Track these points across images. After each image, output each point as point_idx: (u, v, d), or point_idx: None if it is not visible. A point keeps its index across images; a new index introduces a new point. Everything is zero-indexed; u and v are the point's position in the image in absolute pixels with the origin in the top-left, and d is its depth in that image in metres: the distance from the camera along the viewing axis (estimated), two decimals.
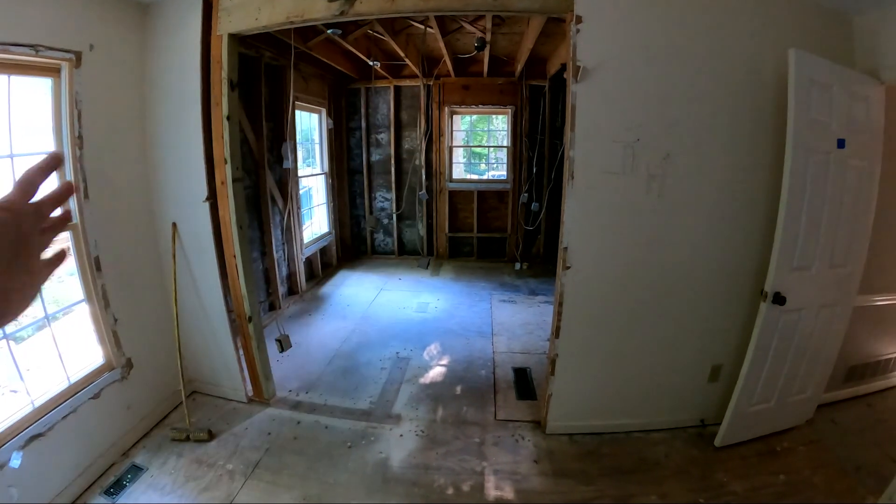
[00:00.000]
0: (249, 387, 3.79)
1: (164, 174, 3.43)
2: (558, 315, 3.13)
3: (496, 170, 8.47)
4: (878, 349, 3.73)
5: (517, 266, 7.45)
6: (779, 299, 2.84)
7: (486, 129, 8.58)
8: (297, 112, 6.43)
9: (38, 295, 0.60)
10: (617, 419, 3.48)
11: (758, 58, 2.87)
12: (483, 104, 7.57)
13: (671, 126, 2.91)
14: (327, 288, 6.73)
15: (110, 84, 3.10)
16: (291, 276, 6.24)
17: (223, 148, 3.10)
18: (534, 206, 7.47)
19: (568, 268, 3.04)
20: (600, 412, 3.47)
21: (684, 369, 3.43)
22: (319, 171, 7.39)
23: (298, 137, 6.58)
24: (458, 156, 8.23)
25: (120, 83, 3.19)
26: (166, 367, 3.59)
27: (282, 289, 5.93)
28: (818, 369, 3.31)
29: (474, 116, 8.35)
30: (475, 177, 8.63)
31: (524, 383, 4.14)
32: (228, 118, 3.08)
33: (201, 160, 3.21)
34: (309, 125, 7.20)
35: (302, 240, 6.37)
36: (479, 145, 8.62)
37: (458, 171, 8.23)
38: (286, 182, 5.87)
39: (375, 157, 7.96)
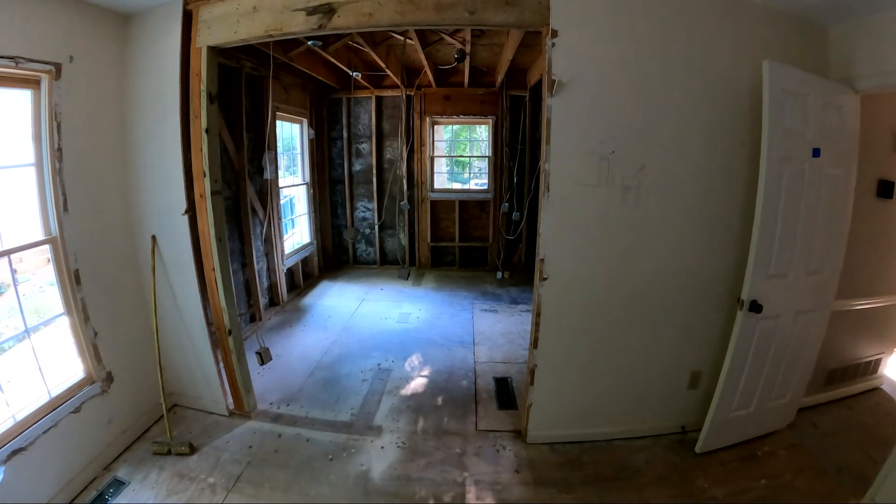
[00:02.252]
0: (230, 400, 3.77)
1: (144, 186, 3.42)
2: (536, 326, 3.18)
3: (478, 179, 8.54)
4: (856, 352, 3.83)
5: (499, 275, 7.50)
6: (755, 307, 2.89)
7: (467, 139, 8.65)
8: (279, 122, 6.44)
9: None
10: (598, 427, 3.51)
11: (733, 69, 2.95)
12: (464, 114, 7.65)
13: (646, 138, 2.98)
14: (309, 299, 6.71)
15: (90, 96, 3.10)
16: (272, 288, 6.22)
17: (202, 161, 3.11)
18: (515, 215, 7.54)
19: (545, 279, 3.09)
20: (581, 421, 3.50)
21: (663, 377, 3.47)
22: (301, 182, 7.38)
23: (280, 148, 6.57)
24: (440, 166, 8.28)
25: (100, 95, 3.19)
26: (147, 380, 3.56)
27: (263, 300, 5.90)
28: (797, 374, 3.36)
29: (456, 126, 8.42)
30: (457, 186, 8.69)
31: (505, 393, 4.17)
32: (207, 131, 3.09)
33: (180, 173, 3.22)
34: (290, 135, 7.20)
35: (283, 250, 6.36)
36: (461, 155, 8.69)
37: (440, 181, 8.28)
38: (267, 192, 5.86)
39: (357, 166, 7.98)
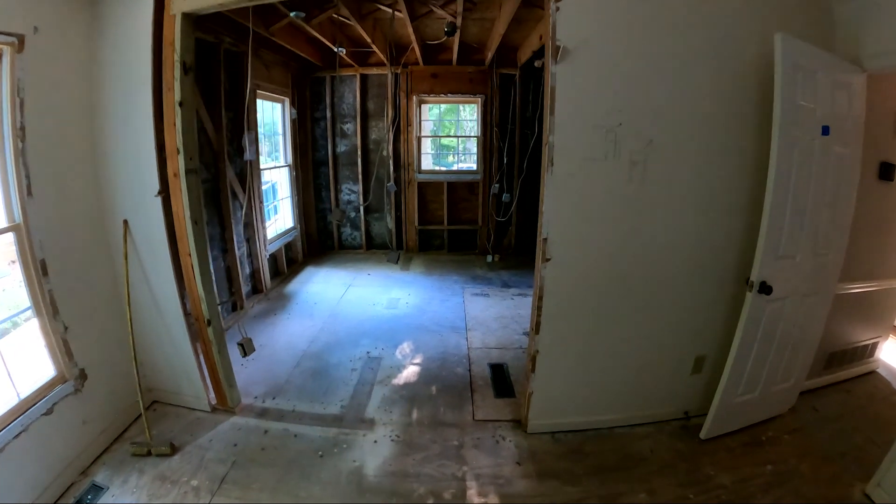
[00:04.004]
0: (212, 395, 3.55)
1: (115, 167, 3.13)
2: (538, 310, 2.99)
3: (466, 161, 8.31)
4: (855, 336, 3.78)
5: (489, 258, 7.32)
6: (765, 288, 2.79)
7: (455, 118, 8.40)
8: (259, 101, 6.13)
9: None
10: (600, 415, 3.39)
11: (741, 41, 2.80)
12: (452, 93, 7.40)
13: (654, 111, 2.80)
14: (293, 285, 6.47)
15: (56, 70, 2.82)
16: (255, 274, 5.96)
17: (175, 136, 2.85)
18: (505, 196, 7.35)
19: (548, 260, 2.89)
20: (583, 408, 3.37)
21: (667, 361, 3.37)
22: (283, 164, 7.09)
23: (260, 128, 6.27)
24: (427, 146, 8.04)
25: (67, 68, 2.90)
26: (124, 376, 3.31)
27: (245, 288, 5.65)
28: (801, 358, 3.30)
29: (443, 106, 8.16)
30: (445, 168, 8.45)
31: (502, 380, 4.01)
32: (181, 104, 2.83)
33: (152, 150, 2.95)
34: (272, 115, 6.88)
35: (265, 236, 6.09)
36: (449, 135, 8.43)
37: (427, 162, 8.04)
38: (247, 175, 5.58)
39: (341, 148, 7.70)
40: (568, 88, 2.66)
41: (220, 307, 5.13)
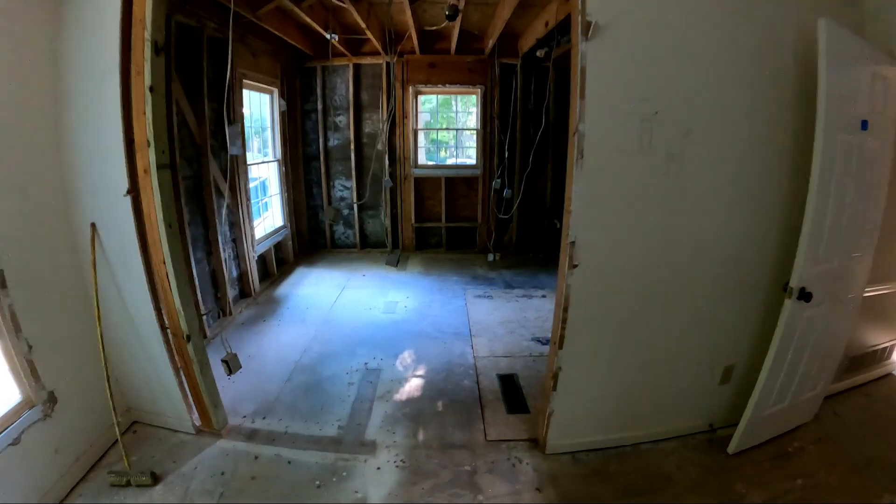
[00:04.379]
0: (196, 416, 3.20)
1: (81, 163, 2.76)
2: (563, 322, 2.65)
3: (465, 155, 7.96)
4: (873, 339, 3.66)
5: (490, 257, 6.99)
6: (804, 295, 2.58)
7: (454, 110, 8.04)
8: (246, 92, 5.74)
9: None
10: (623, 432, 3.13)
11: (777, 23, 2.52)
12: (451, 83, 7.04)
13: (692, 97, 2.50)
14: (284, 288, 6.10)
15: (17, 57, 2.47)
16: (243, 277, 5.59)
17: (146, 127, 2.47)
18: (506, 192, 7.01)
19: (575, 266, 2.55)
20: (605, 426, 3.10)
21: (696, 372, 3.13)
22: (272, 158, 6.70)
23: (247, 121, 5.90)
24: (424, 139, 7.68)
25: (29, 55, 2.55)
26: (100, 397, 2.94)
27: (232, 292, 5.29)
28: (829, 364, 3.17)
29: (441, 97, 7.79)
30: (442, 162, 8.10)
31: (513, 393, 3.69)
32: (152, 89, 2.46)
33: (120, 143, 2.57)
34: (259, 107, 6.50)
35: (253, 235, 5.71)
36: (447, 128, 8.07)
37: (424, 157, 7.69)
38: (233, 171, 5.21)
39: (333, 141, 7.33)
40: (600, 69, 2.32)
41: (205, 315, 4.80)
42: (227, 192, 5.17)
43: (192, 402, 3.16)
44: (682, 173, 2.55)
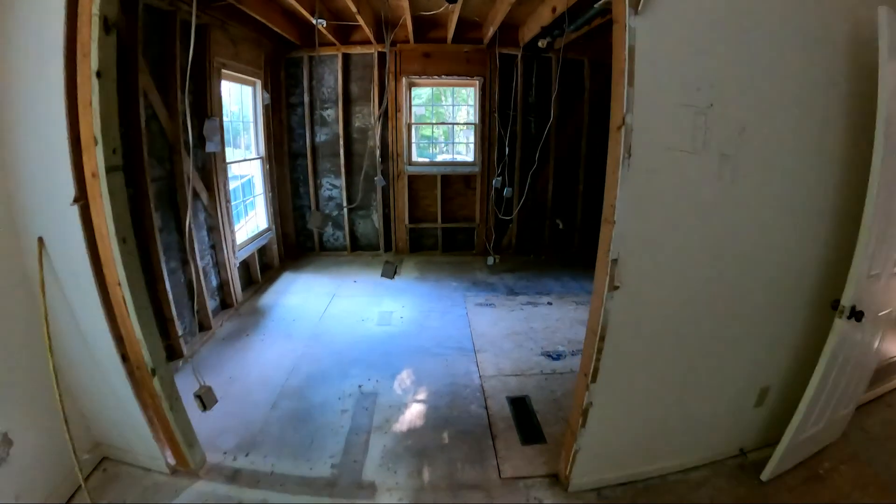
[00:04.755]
0: (170, 455, 2.80)
1: (25, 168, 2.33)
2: (598, 353, 2.27)
3: (461, 151, 7.56)
4: (894, 348, 3.49)
5: (489, 261, 6.61)
6: (856, 314, 2.35)
7: (450, 104, 7.63)
8: (226, 83, 5.31)
9: None
10: (651, 464, 2.83)
11: (833, 11, 2.20)
12: (447, 75, 6.62)
13: (748, 89, 2.14)
14: (268, 297, 5.67)
15: None
16: (223, 287, 5.17)
17: (92, 121, 2.06)
18: (507, 191, 6.63)
19: (616, 288, 2.17)
20: (632, 458, 2.79)
21: (732, 396, 2.85)
22: (255, 155, 6.26)
23: (228, 115, 5.47)
24: (419, 135, 7.27)
25: None
26: (62, 434, 2.54)
27: (212, 303, 4.87)
28: (863, 380, 3.03)
29: (437, 89, 7.39)
30: (438, 159, 7.70)
31: (526, 420, 3.32)
32: (100, 74, 2.04)
33: (65, 140, 2.16)
34: (241, 100, 6.06)
35: (234, 240, 5.29)
36: (443, 122, 7.65)
37: (418, 153, 7.29)
38: (211, 170, 4.79)
39: (321, 137, 6.90)
40: (650, 50, 1.92)
41: (183, 330, 4.39)
42: (205, 195, 4.75)
43: (164, 440, 2.75)
44: (736, 178, 2.20)
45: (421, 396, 3.59)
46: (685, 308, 2.41)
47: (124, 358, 2.49)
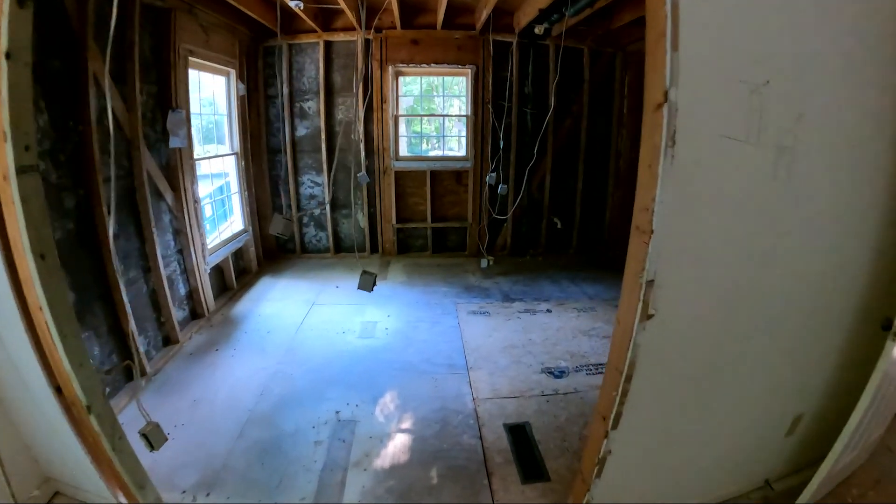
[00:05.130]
0: (122, 496, 2.46)
1: None
2: (622, 396, 1.91)
3: (454, 147, 7.22)
4: None
5: (483, 263, 6.28)
6: None
7: (440, 94, 7.28)
8: (195, 73, 4.94)
9: None
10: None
11: None
12: (436, 63, 6.25)
13: (807, 65, 1.75)
14: (244, 305, 5.31)
15: None
16: (193, 295, 4.81)
17: (0, 113, 1.70)
18: (501, 188, 6.29)
19: (650, 317, 1.79)
20: (650, 499, 2.46)
21: (763, 425, 2.54)
22: (229, 151, 5.89)
23: (196, 107, 5.10)
24: (406, 128, 6.92)
25: None
26: (13, 466, 2.35)
27: (180, 313, 4.51)
28: None
29: (428, 82, 7.03)
30: (427, 154, 7.35)
31: (527, 452, 3.00)
32: (9, 56, 1.68)
33: None
34: (212, 91, 5.68)
35: (204, 244, 4.92)
36: (433, 114, 7.30)
37: (406, 147, 6.94)
38: (177, 167, 4.42)
39: (301, 131, 6.53)
40: (698, 6, 1.51)
41: (147, 344, 4.04)
42: (170, 195, 4.39)
43: (112, 480, 2.41)
44: (792, 174, 1.82)
45: (406, 425, 3.25)
46: (725, 335, 2.07)
47: (58, 390, 2.14)
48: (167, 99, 4.33)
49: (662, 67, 1.49)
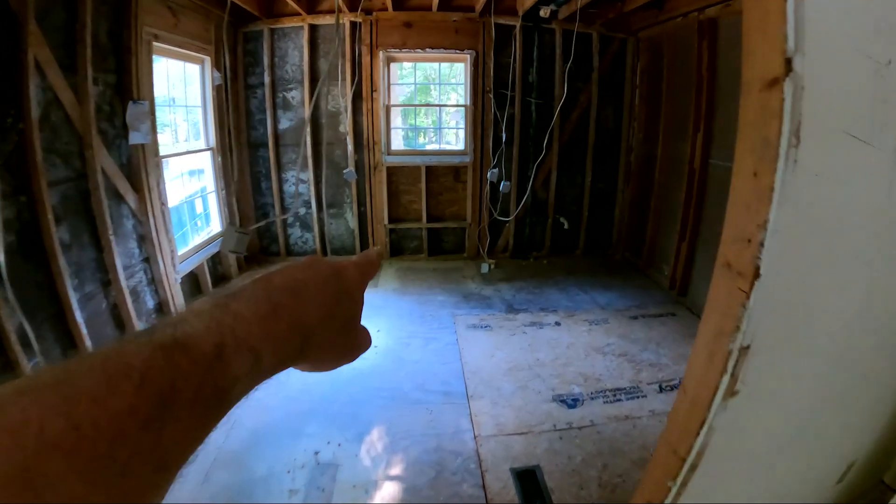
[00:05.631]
0: None
1: None
2: (681, 486, 1.46)
3: (451, 141, 6.80)
4: None
5: (484, 268, 5.88)
6: None
7: (436, 82, 6.84)
8: (162, 60, 4.52)
9: None
10: None
11: None
12: (432, 47, 5.80)
13: None
14: None
15: None
16: (162, 308, 4.39)
17: None
18: (504, 185, 5.87)
19: (735, 394, 1.28)
20: None
21: (818, 477, 2.10)
22: (204, 146, 5.46)
23: (164, 98, 4.69)
24: (399, 119, 6.48)
25: None
26: None
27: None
28: None
29: (420, 65, 6.60)
30: (422, 148, 6.93)
31: None
32: None
33: None
34: (183, 81, 5.24)
35: (173, 250, 4.50)
36: (428, 104, 6.86)
37: (399, 141, 6.52)
38: (139, 166, 4.00)
39: (285, 123, 6.08)
40: None
41: None
42: (132, 197, 3.97)
43: None
44: None
45: (396, 470, 2.84)
46: (819, 403, 1.66)
47: None
48: (128, 89, 3.91)
49: (780, 22, 1.01)
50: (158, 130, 4.31)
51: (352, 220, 6.39)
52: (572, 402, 3.46)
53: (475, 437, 3.10)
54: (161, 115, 4.57)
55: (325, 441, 3.06)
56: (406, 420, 3.27)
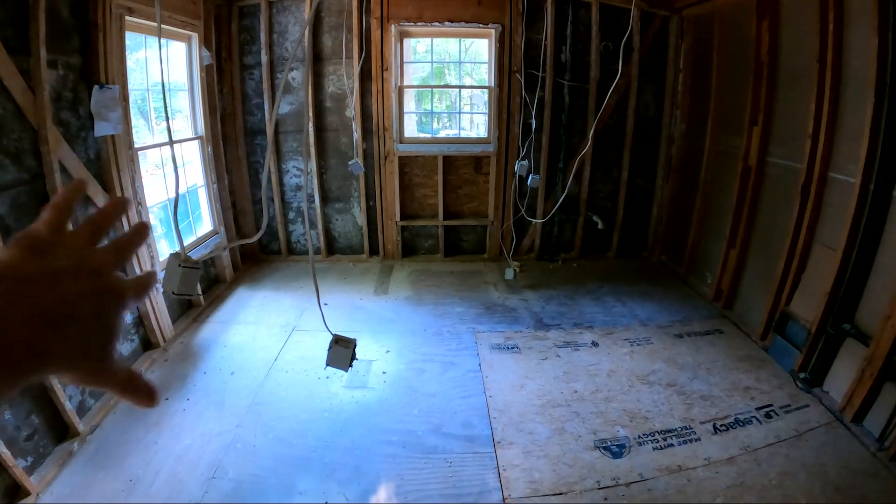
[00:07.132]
0: None
1: None
2: None
3: (467, 127, 6.29)
4: None
5: (508, 273, 5.39)
6: None
7: (456, 60, 6.31)
8: (138, 37, 4.07)
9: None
10: None
11: None
12: (451, 21, 5.25)
13: None
14: (210, 328, 4.45)
15: None
16: (143, 322, 3.97)
17: None
18: (532, 179, 5.35)
19: None
20: None
21: None
22: (191, 135, 5.00)
23: (146, 82, 4.24)
24: (412, 103, 5.98)
25: None
26: None
27: (127, 346, 3.73)
28: None
29: (437, 41, 6.07)
30: (438, 135, 6.43)
31: None
32: None
33: None
34: (167, 61, 4.77)
35: (154, 256, 4.06)
36: (446, 85, 6.34)
37: (413, 127, 6.01)
38: (109, 161, 3.57)
39: (284, 107, 5.60)
40: None
41: (82, 392, 3.24)
42: (100, 198, 3.54)
43: None
44: None
45: None
46: None
47: None
48: (94, 73, 3.46)
49: None
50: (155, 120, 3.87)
51: (359, 217, 5.93)
52: (617, 450, 2.99)
53: (504, 501, 2.64)
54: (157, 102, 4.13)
55: (322, 501, 2.62)
56: (420, 476, 2.81)
